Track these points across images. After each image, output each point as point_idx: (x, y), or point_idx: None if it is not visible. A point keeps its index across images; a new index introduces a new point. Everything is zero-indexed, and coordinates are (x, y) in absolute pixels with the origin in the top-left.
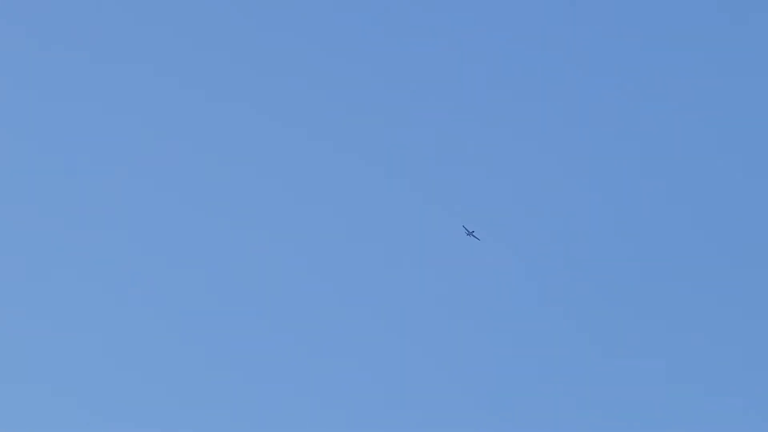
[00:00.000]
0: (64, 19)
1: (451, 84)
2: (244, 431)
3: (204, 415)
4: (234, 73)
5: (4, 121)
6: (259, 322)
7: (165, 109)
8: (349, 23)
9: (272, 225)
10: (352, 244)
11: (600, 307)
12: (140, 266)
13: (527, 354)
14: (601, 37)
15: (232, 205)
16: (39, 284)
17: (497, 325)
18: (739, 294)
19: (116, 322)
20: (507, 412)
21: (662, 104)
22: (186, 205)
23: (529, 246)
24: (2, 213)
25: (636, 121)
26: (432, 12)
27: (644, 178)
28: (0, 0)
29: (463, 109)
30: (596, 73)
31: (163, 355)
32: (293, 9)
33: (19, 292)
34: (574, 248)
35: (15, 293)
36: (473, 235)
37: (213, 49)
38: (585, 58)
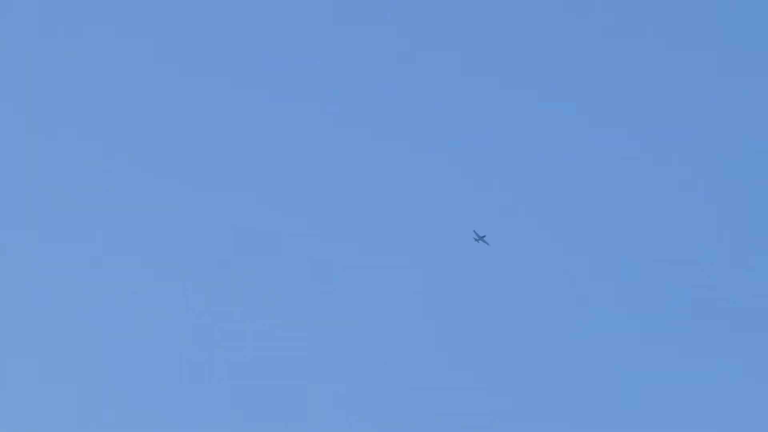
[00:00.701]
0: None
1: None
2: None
3: (202, 414)
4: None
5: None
6: (257, 321)
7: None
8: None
9: (271, 224)
10: (353, 244)
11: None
12: (140, 262)
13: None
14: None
15: (233, 195)
16: (40, 282)
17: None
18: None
19: (116, 321)
20: (511, 412)
21: (668, 101)
22: (186, 196)
23: (539, 247)
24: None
25: (638, 121)
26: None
27: (653, 179)
28: None
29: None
30: (606, 72)
31: (159, 355)
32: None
33: (19, 290)
34: (580, 249)
35: (16, 292)
36: (483, 240)
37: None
38: (588, 58)
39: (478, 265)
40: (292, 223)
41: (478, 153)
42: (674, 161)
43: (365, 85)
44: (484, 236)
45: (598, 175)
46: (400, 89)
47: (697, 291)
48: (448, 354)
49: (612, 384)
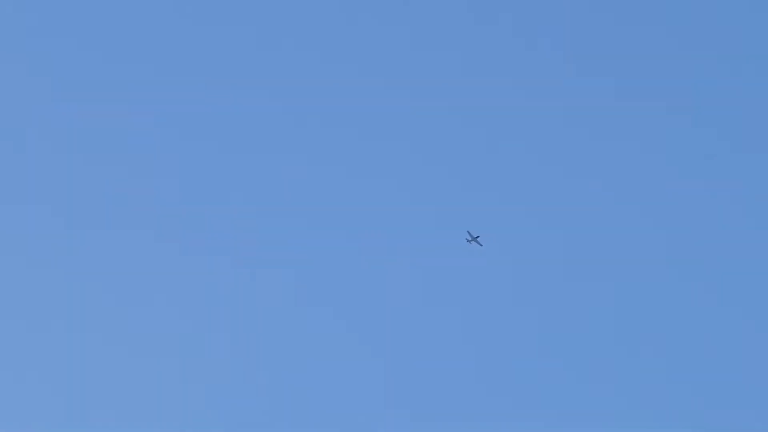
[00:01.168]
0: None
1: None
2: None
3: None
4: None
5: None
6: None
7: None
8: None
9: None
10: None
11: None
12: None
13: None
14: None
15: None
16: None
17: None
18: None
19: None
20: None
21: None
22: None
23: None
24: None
25: (637, 120)
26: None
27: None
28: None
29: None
30: (598, 73)
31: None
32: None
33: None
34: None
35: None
36: (476, 241)
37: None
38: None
39: (473, 265)
40: (284, 218)
41: (473, 153)
42: (673, 161)
43: (360, 85)
44: (477, 237)
45: (597, 175)
46: (393, 90)
47: (698, 291)
48: (444, 355)
49: (611, 384)
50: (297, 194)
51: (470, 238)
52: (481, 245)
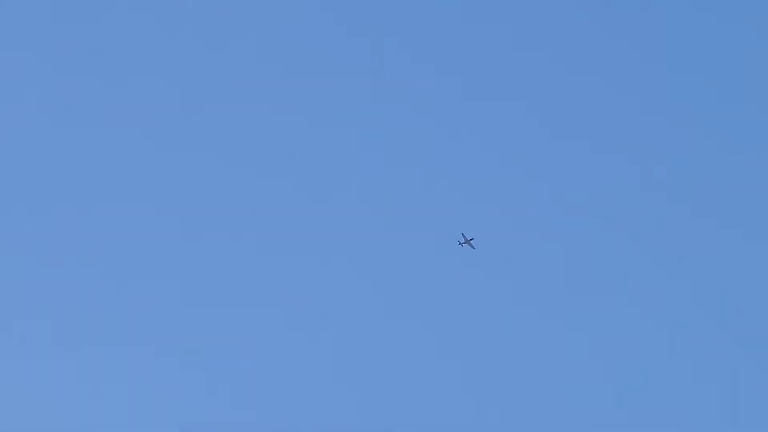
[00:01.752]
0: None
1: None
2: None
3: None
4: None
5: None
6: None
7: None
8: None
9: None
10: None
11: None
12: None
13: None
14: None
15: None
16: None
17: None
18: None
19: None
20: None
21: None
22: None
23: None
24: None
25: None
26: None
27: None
28: None
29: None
30: (595, 73)
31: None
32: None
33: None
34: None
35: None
36: (469, 244)
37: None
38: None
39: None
40: (282, 218)
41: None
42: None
43: (351, 85)
44: (471, 239)
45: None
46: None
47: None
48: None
49: (609, 384)
50: (292, 197)
51: (463, 241)
52: (474, 248)
